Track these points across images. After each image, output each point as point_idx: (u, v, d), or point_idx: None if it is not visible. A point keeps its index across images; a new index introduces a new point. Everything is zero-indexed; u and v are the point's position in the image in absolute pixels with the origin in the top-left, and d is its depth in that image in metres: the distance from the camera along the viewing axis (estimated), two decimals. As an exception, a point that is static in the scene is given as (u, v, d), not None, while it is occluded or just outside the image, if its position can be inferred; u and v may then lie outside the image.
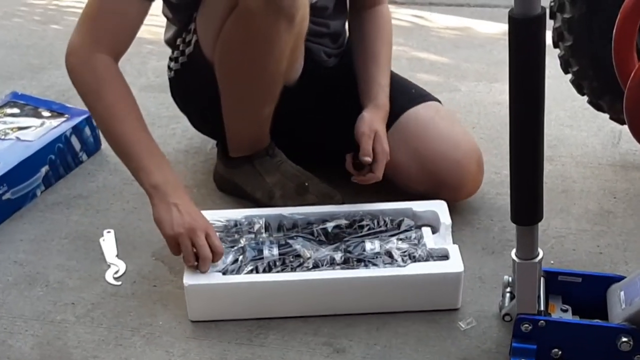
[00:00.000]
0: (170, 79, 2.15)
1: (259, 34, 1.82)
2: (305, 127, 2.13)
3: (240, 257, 1.79)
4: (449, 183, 2.03)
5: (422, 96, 2.14)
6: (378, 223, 1.89)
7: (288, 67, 1.93)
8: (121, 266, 1.94)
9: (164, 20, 2.10)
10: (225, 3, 1.85)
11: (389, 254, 1.80)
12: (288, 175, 2.08)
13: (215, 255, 1.76)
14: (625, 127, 2.02)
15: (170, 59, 2.11)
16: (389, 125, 2.05)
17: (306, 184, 2.06)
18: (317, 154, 2.17)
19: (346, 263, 1.79)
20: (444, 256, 1.80)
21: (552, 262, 1.92)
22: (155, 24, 2.20)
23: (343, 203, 2.04)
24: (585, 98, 2.23)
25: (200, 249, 1.75)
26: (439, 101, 2.16)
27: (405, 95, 2.12)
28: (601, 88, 2.16)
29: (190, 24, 1.99)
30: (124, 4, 1.81)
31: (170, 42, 2.10)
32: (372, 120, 1.98)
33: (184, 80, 2.09)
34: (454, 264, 1.77)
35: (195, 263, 1.76)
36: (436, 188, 2.02)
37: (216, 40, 1.90)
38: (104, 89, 1.84)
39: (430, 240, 1.84)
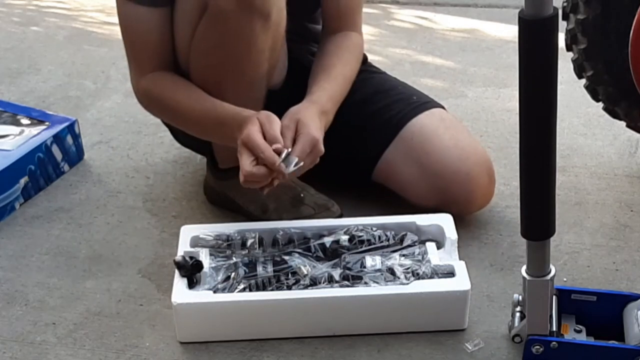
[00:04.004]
0: None
1: (234, 35, 1.83)
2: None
3: (233, 275, 1.79)
4: (459, 197, 2.03)
5: (424, 103, 2.14)
6: (379, 238, 1.89)
7: (269, 69, 1.93)
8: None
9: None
10: (194, 6, 1.86)
11: (391, 270, 1.80)
12: (282, 186, 2.08)
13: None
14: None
15: None
16: (390, 138, 2.06)
17: (301, 194, 2.07)
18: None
19: (345, 280, 1.80)
20: (450, 273, 1.81)
21: (565, 279, 1.92)
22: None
23: (341, 215, 2.05)
24: (600, 104, 2.24)
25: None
26: (443, 107, 2.16)
27: (406, 104, 2.12)
28: (617, 94, 2.17)
29: None
30: (140, 24, 1.91)
31: None
32: (296, 111, 1.88)
33: None
34: (461, 282, 1.78)
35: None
36: (446, 203, 2.02)
37: (188, 46, 1.91)
38: (163, 102, 1.96)
39: (435, 256, 1.85)
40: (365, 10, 2.21)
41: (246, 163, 1.77)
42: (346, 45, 2.09)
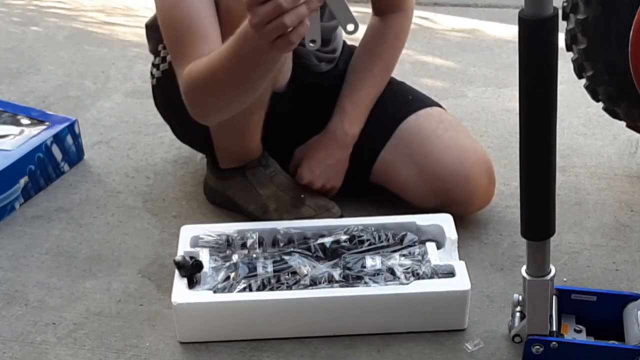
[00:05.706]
0: (153, 87, 2.16)
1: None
2: (299, 135, 2.13)
3: (233, 274, 1.79)
4: (459, 199, 2.03)
5: (420, 101, 2.14)
6: (379, 238, 1.89)
7: (275, 71, 1.92)
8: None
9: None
10: None
11: (391, 270, 1.80)
12: (282, 187, 2.08)
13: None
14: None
15: (153, 64, 2.12)
16: (386, 136, 2.07)
17: (302, 195, 2.07)
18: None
19: (345, 280, 1.79)
20: (450, 273, 1.81)
21: (564, 279, 1.92)
22: (141, 26, 2.20)
23: (342, 216, 2.05)
24: (600, 104, 2.24)
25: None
26: (440, 106, 2.16)
27: (401, 103, 2.11)
28: (617, 94, 2.17)
29: None
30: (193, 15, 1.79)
31: (154, 50, 2.11)
32: (306, 145, 2.12)
33: (166, 89, 2.09)
34: (461, 282, 1.78)
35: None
36: (446, 204, 2.02)
37: None
38: (202, 76, 1.76)
39: (435, 256, 1.85)
40: (365, 10, 2.21)
41: None
42: (384, 35, 2.14)
